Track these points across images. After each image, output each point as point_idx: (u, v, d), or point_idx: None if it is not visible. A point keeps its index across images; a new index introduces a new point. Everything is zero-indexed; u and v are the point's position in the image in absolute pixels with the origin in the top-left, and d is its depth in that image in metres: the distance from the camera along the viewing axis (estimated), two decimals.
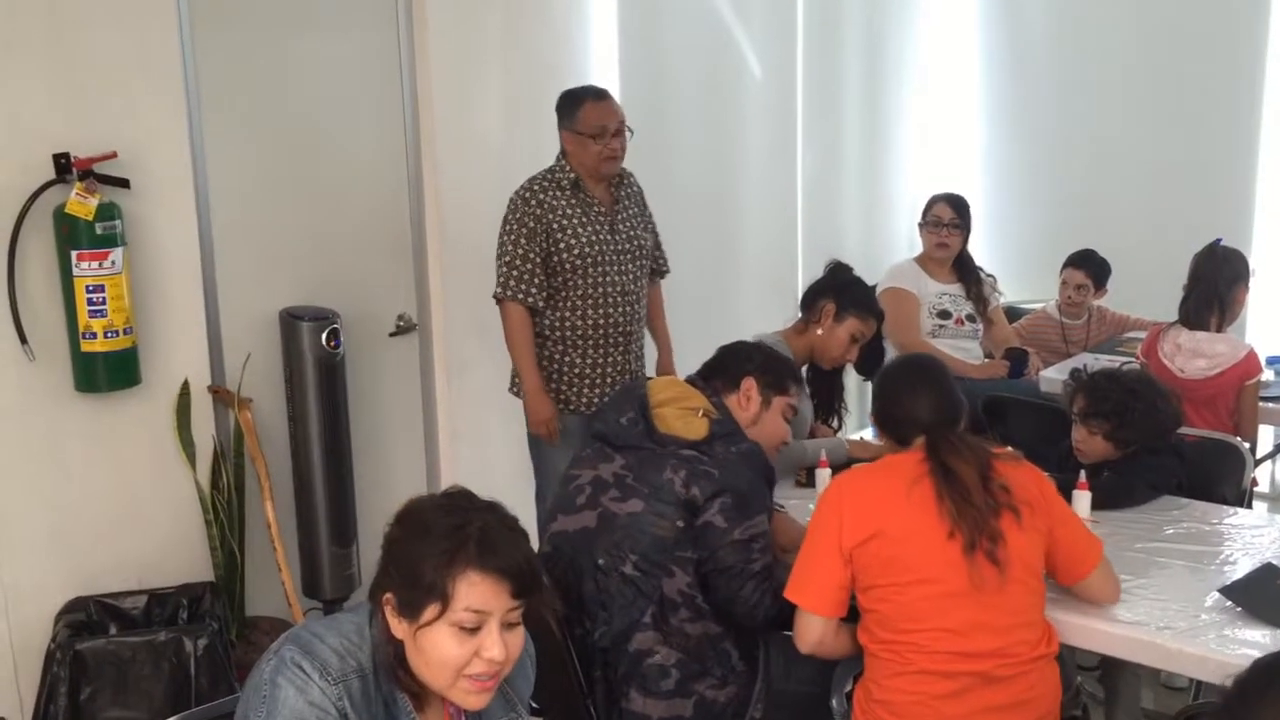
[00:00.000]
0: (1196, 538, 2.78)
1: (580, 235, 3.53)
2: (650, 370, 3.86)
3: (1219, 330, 3.76)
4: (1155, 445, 3.04)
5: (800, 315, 3.56)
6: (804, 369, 3.46)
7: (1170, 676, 3.42)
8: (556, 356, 3.61)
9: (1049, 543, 2.32)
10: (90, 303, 3.07)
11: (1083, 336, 4.90)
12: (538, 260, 3.51)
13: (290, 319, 3.59)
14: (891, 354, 3.95)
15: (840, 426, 3.62)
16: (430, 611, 1.60)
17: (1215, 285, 3.77)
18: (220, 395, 3.47)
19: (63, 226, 3.05)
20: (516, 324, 3.54)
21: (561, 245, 3.51)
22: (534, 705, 1.92)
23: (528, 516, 1.99)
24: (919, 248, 4.69)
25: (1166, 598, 2.45)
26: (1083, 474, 2.86)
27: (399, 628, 1.64)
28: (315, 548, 3.66)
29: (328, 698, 1.59)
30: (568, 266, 3.53)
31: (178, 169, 3.34)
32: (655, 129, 4.72)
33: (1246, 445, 3.41)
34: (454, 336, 4.07)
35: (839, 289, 3.48)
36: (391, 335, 4.00)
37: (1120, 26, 5.75)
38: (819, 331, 3.47)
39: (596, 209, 3.58)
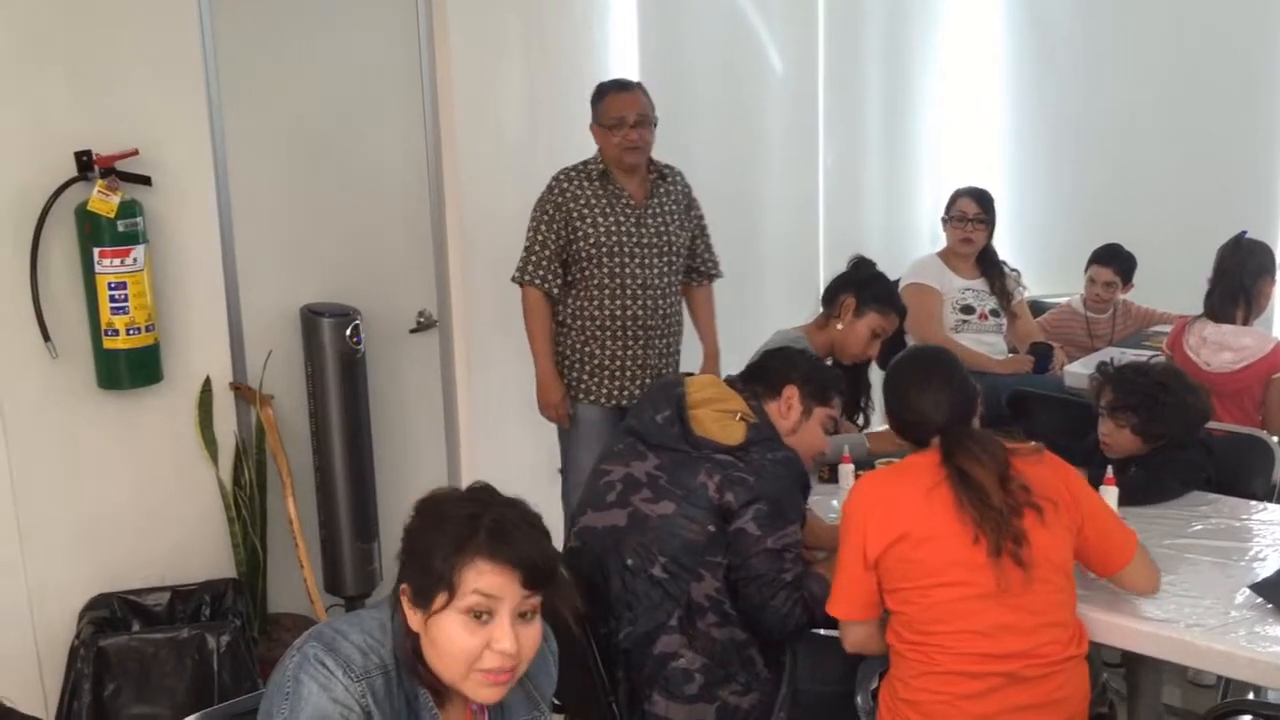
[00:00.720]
0: (1225, 534, 2.75)
1: (599, 225, 3.54)
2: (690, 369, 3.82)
3: (1245, 323, 3.73)
4: (1183, 439, 3.01)
5: (821, 310, 3.54)
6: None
7: (1198, 674, 3.39)
8: (578, 346, 3.63)
9: (1080, 539, 2.29)
10: (112, 300, 3.09)
11: (1108, 331, 4.86)
12: (554, 247, 3.55)
13: (311, 315, 3.59)
14: None
15: (867, 424, 3.60)
16: (439, 599, 1.60)
17: (1240, 278, 3.74)
18: (242, 392, 3.48)
19: (85, 224, 3.06)
20: (532, 307, 3.60)
21: (579, 234, 3.54)
22: (556, 703, 1.91)
23: (551, 515, 1.98)
24: (941, 243, 4.66)
25: (1195, 594, 2.42)
26: (1109, 469, 2.82)
27: (414, 618, 1.63)
28: (337, 544, 3.67)
29: (351, 694, 1.58)
30: (584, 255, 3.55)
31: (199, 166, 3.35)
32: (676, 125, 4.71)
33: (1275, 439, 3.37)
34: (474, 333, 4.07)
35: (860, 284, 3.46)
36: (412, 332, 4.00)
37: (1144, 19, 5.70)
38: (839, 326, 3.44)
39: (625, 201, 3.59)
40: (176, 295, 3.33)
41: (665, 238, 3.64)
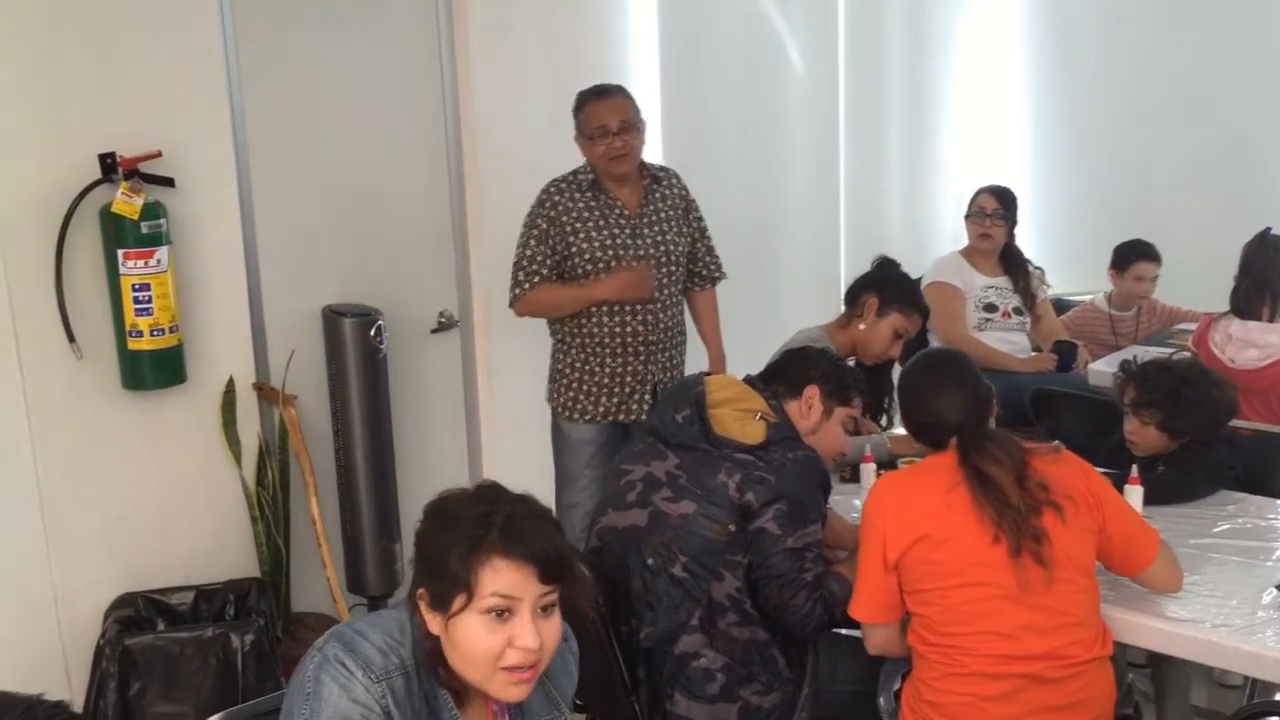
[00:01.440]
0: (1251, 533, 2.73)
1: (594, 238, 3.43)
2: None
3: (1271, 320, 3.70)
4: (1209, 435, 2.98)
5: (844, 310, 3.53)
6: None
7: (1224, 674, 3.36)
8: (577, 365, 3.52)
9: (1103, 539, 2.28)
10: (136, 301, 3.10)
11: (1132, 329, 4.83)
12: (548, 264, 3.42)
13: (333, 316, 3.60)
14: None
15: (889, 424, 3.58)
16: (458, 602, 1.59)
17: (1266, 275, 3.72)
18: (265, 392, 3.49)
19: (109, 226, 3.08)
20: (545, 297, 3.46)
21: (573, 249, 3.42)
22: (578, 703, 1.91)
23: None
24: (963, 242, 4.64)
25: (1222, 594, 2.41)
26: (1134, 469, 2.80)
27: (433, 622, 1.63)
28: (359, 543, 3.68)
29: (371, 695, 1.58)
30: (579, 271, 3.43)
31: (222, 168, 3.37)
32: (697, 126, 4.70)
33: None
34: (495, 333, 4.07)
35: (883, 284, 3.44)
36: (433, 332, 4.01)
37: (1166, 16, 5.66)
38: (861, 326, 3.42)
39: (619, 211, 3.47)
40: (200, 296, 3.35)
41: (663, 248, 3.50)
